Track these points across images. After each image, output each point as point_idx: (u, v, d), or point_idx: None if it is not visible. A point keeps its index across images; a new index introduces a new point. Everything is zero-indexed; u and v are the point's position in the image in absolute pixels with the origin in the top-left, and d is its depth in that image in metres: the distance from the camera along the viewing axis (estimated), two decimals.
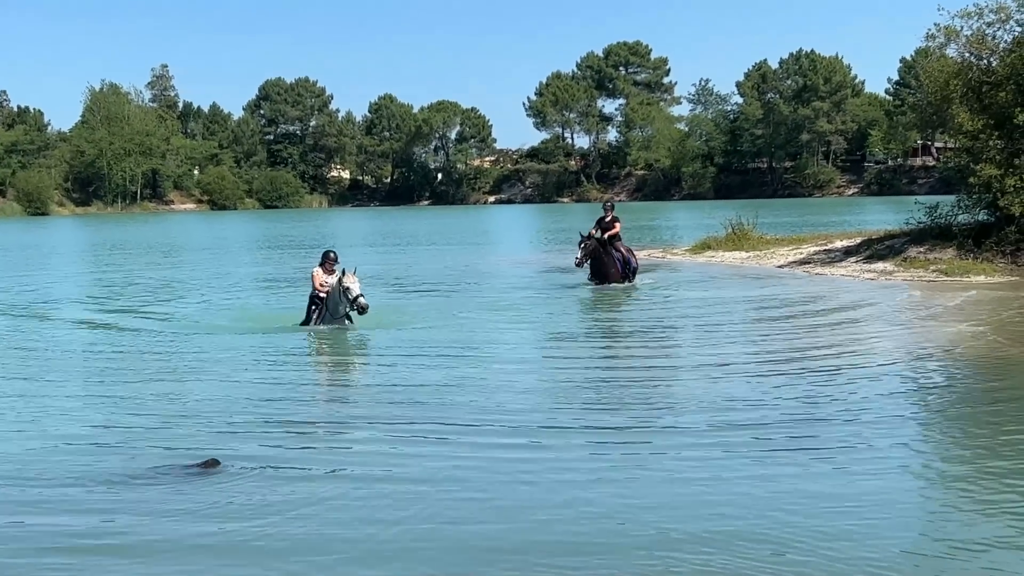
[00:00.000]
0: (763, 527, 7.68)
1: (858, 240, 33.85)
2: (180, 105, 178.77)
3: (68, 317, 22.87)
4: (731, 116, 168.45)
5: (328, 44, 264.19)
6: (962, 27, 29.15)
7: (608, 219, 27.14)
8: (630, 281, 26.64)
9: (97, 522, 8.26)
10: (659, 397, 12.64)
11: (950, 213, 29.58)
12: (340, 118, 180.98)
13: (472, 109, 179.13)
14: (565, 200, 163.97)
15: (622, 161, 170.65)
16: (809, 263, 31.62)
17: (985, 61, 28.95)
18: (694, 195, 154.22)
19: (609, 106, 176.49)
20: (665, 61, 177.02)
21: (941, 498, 8.53)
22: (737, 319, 20.23)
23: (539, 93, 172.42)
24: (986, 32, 28.91)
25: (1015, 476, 8.97)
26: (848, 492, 8.53)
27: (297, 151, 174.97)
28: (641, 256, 38.93)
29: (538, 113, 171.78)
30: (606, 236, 26.83)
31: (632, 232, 59.74)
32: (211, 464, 9.68)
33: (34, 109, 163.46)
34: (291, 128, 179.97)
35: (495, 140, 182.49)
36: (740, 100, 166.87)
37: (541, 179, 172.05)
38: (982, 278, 25.60)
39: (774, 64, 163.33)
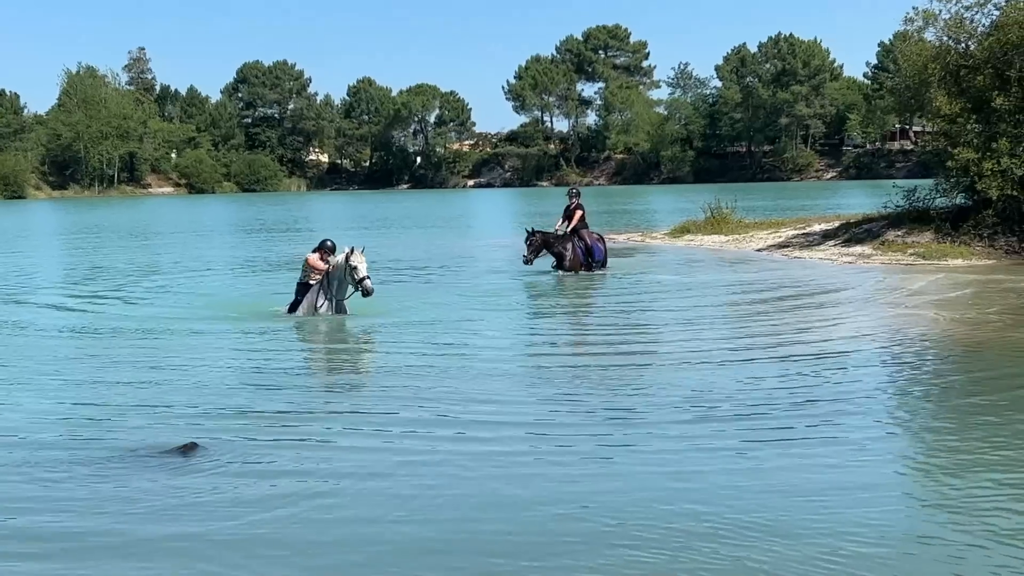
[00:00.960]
0: (743, 518, 7.61)
1: (836, 224, 33.95)
2: (157, 88, 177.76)
3: (39, 301, 22.64)
4: (710, 100, 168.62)
5: (306, 27, 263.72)
6: (940, 11, 29.21)
7: (572, 206, 26.73)
8: (597, 269, 26.15)
9: (74, 506, 8.21)
10: (635, 385, 12.50)
11: (928, 197, 29.68)
12: (319, 101, 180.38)
13: (451, 92, 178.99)
14: (544, 184, 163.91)
15: (601, 145, 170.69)
16: (788, 247, 31.71)
17: (963, 45, 29.02)
18: (673, 179, 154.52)
19: (588, 90, 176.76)
20: (644, 45, 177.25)
21: (921, 487, 8.48)
22: (715, 304, 20.21)
23: (518, 76, 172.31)
24: (964, 16, 29.00)
25: (993, 463, 8.98)
26: (827, 481, 8.46)
27: (275, 134, 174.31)
28: (620, 240, 39.13)
29: (517, 97, 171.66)
30: (569, 227, 26.46)
31: (612, 216, 59.87)
32: (190, 448, 9.64)
33: (10, 92, 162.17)
34: (269, 111, 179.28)
35: (474, 124, 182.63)
36: (719, 84, 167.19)
37: (520, 163, 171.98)
38: (960, 261, 25.73)
39: (753, 48, 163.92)
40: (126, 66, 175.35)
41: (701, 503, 7.95)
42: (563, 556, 7.06)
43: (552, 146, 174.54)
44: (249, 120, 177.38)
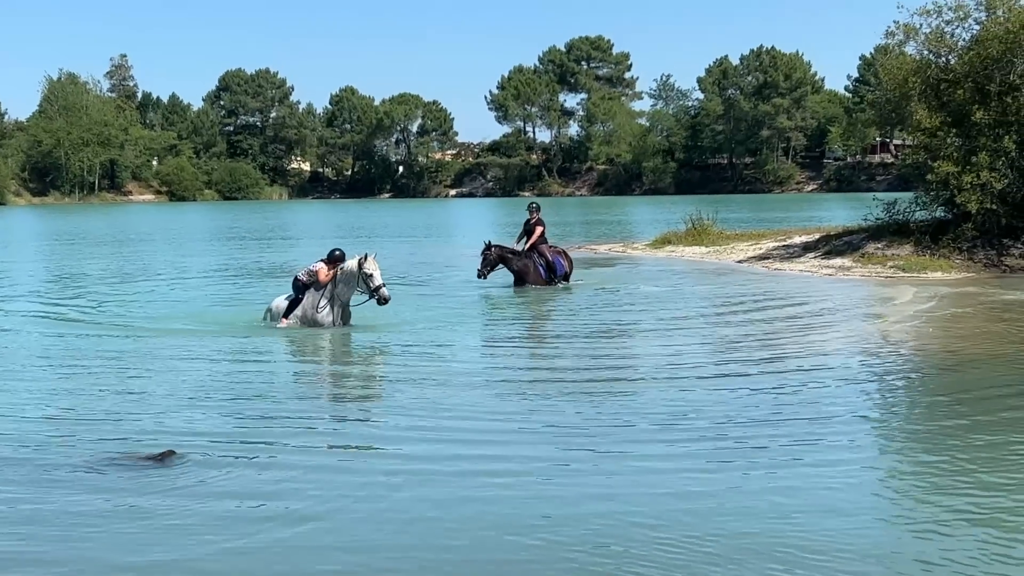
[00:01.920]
0: (722, 535, 7.57)
1: (816, 236, 34.06)
2: (139, 95, 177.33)
3: (16, 309, 22.51)
4: (692, 112, 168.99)
5: (289, 35, 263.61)
6: (921, 25, 29.35)
7: (533, 221, 25.95)
8: (558, 284, 25.21)
9: (50, 513, 8.16)
10: (612, 398, 12.42)
11: (908, 210, 29.82)
12: (301, 110, 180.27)
13: (434, 102, 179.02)
14: (526, 194, 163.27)
15: (583, 156, 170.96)
16: (768, 258, 31.78)
17: (944, 59, 29.16)
18: (655, 190, 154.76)
19: (571, 100, 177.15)
20: (627, 56, 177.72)
21: (898, 505, 8.39)
22: (695, 316, 20.14)
23: (501, 87, 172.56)
24: (945, 30, 29.13)
25: (971, 473, 9.00)
26: (805, 500, 8.41)
27: (257, 142, 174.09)
28: (601, 250, 39.19)
29: (500, 107, 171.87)
30: (528, 243, 25.67)
31: (592, 227, 59.94)
32: (167, 455, 9.60)
33: None
34: (251, 119, 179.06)
35: (456, 133, 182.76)
36: (701, 96, 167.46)
37: (502, 173, 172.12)
38: (939, 274, 25.84)
39: (735, 60, 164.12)
40: (108, 73, 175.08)
41: (682, 522, 7.92)
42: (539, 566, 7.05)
43: (534, 156, 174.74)
44: (231, 128, 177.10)
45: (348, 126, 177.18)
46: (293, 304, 18.28)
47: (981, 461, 9.28)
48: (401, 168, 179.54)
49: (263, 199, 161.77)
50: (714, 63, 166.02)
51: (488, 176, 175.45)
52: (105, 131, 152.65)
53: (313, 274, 18.13)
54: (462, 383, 13.26)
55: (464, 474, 9.11)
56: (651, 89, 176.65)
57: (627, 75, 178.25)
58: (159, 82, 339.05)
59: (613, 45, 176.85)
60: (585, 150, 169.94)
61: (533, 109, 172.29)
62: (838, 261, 28.87)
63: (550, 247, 26.01)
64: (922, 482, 8.84)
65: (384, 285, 17.76)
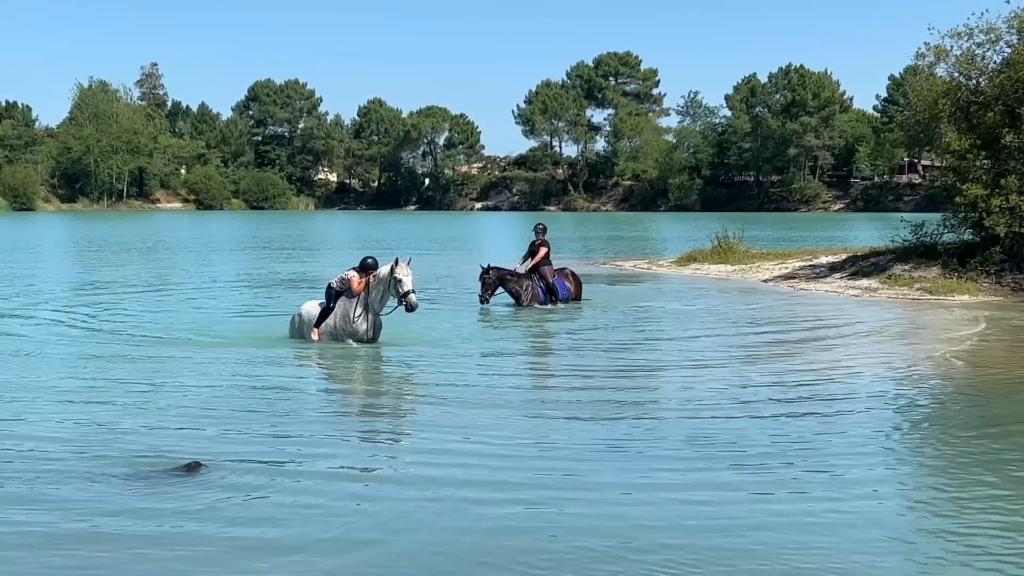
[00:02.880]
0: (747, 558, 7.54)
1: (843, 256, 33.92)
2: (169, 104, 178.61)
3: (44, 316, 22.63)
4: (719, 129, 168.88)
5: (319, 47, 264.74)
6: (952, 47, 29.27)
7: (537, 243, 25.50)
8: (558, 306, 24.58)
9: (77, 525, 8.19)
10: (635, 417, 12.36)
11: (936, 232, 29.67)
12: (329, 121, 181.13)
13: (461, 115, 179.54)
14: (552, 208, 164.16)
15: (609, 171, 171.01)
16: (794, 278, 31.68)
17: (974, 81, 29.06)
18: (680, 207, 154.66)
19: (598, 116, 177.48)
20: (655, 72, 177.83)
21: (925, 531, 8.32)
22: (719, 335, 20.05)
23: (528, 101, 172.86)
24: (976, 52, 29.03)
25: (996, 500, 8.94)
26: (830, 521, 8.35)
27: (285, 153, 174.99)
28: (626, 267, 39.13)
29: (527, 121, 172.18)
30: (530, 264, 25.11)
31: (617, 243, 59.94)
32: (193, 467, 9.64)
33: (22, 104, 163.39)
34: (279, 130, 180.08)
35: (483, 147, 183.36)
36: (728, 113, 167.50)
37: (528, 187, 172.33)
38: (966, 297, 25.68)
39: (763, 78, 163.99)
40: (138, 81, 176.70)
41: (703, 544, 7.92)
42: None
43: (560, 171, 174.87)
44: (259, 138, 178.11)
45: (375, 138, 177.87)
46: (324, 313, 17.92)
47: (1013, 497, 9.09)
48: (427, 180, 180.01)
49: (290, 209, 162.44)
50: (742, 80, 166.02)
51: (514, 190, 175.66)
52: (134, 139, 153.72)
53: (345, 282, 17.88)
54: (489, 402, 13.25)
55: (489, 503, 9.05)
56: (678, 106, 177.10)
57: (655, 91, 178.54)
58: (189, 91, 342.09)
59: (641, 61, 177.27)
60: (611, 165, 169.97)
61: (560, 124, 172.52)
62: (864, 282, 28.76)
63: (554, 269, 25.47)
64: (953, 516, 8.65)
65: (413, 292, 17.33)
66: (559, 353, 18.60)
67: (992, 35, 28.77)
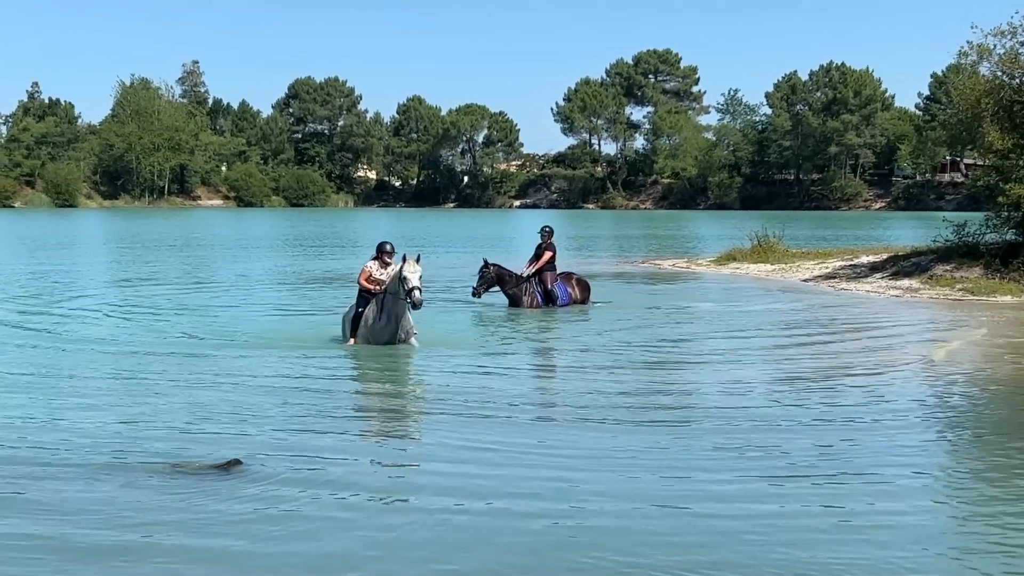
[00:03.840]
0: (779, 561, 7.52)
1: (884, 256, 33.70)
2: (210, 101, 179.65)
3: (84, 312, 22.88)
4: (759, 127, 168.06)
5: (359, 45, 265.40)
6: (995, 45, 29.05)
7: (543, 246, 24.79)
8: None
9: (117, 520, 8.29)
10: (672, 418, 12.36)
11: (978, 232, 29.43)
12: (368, 118, 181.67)
13: (500, 113, 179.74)
14: (590, 206, 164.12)
15: (648, 169, 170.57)
16: (834, 278, 31.50)
17: (1018, 80, 28.78)
18: (720, 205, 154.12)
19: (637, 113, 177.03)
20: (695, 70, 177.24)
21: (967, 534, 8.28)
22: (758, 336, 19.95)
23: (567, 99, 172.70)
24: (1020, 51, 28.75)
25: None
26: (869, 526, 8.30)
27: (324, 150, 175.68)
28: (665, 265, 39.05)
29: (566, 119, 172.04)
30: (534, 268, 24.53)
31: (656, 241, 59.84)
32: (233, 464, 9.72)
33: (65, 101, 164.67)
34: (319, 127, 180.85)
35: (522, 144, 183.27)
36: (769, 111, 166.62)
37: (567, 185, 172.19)
38: (1009, 298, 25.43)
39: (804, 76, 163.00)
40: (180, 79, 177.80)
41: (746, 549, 7.89)
42: None
43: (599, 169, 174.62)
44: (299, 135, 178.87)
45: (415, 135, 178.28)
46: (356, 319, 17.71)
47: None
48: (466, 178, 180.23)
49: (329, 206, 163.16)
50: (783, 78, 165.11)
51: (552, 187, 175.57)
52: (176, 136, 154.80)
53: (360, 278, 17.90)
54: (529, 398, 13.29)
55: (517, 514, 9.07)
56: (718, 103, 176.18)
57: (694, 89, 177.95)
58: (230, 89, 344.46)
59: (681, 59, 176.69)
60: (650, 163, 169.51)
61: (599, 121, 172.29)
62: (905, 282, 28.56)
63: (556, 274, 24.82)
64: (999, 530, 8.42)
65: (418, 288, 16.80)
66: (597, 353, 18.25)
67: None
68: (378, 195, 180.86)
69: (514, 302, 24.13)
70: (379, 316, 17.34)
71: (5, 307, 23.53)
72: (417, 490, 9.25)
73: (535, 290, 24.31)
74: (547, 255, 24.70)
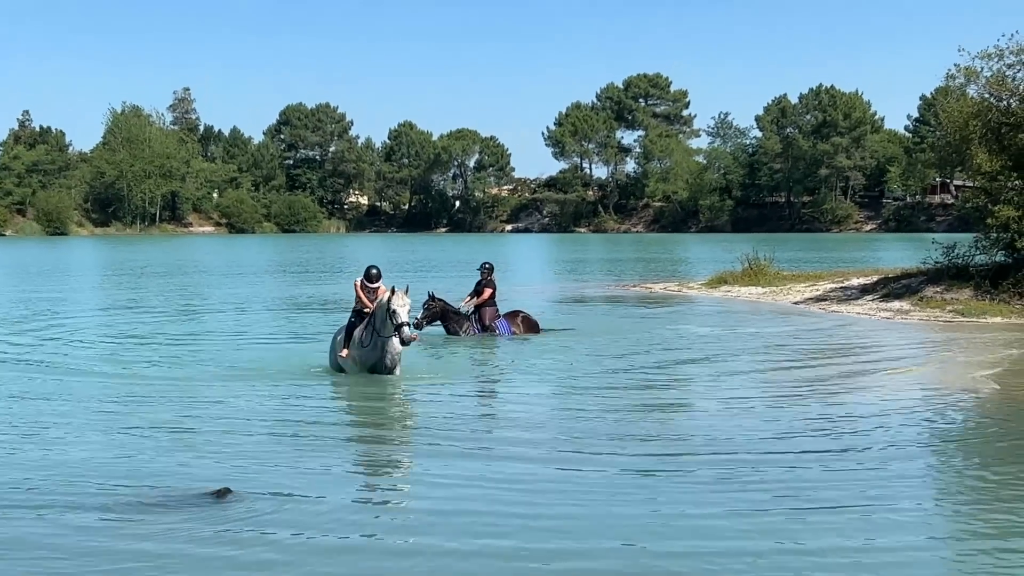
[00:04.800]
0: None
1: (875, 278, 33.78)
2: (201, 128, 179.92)
3: (76, 340, 22.88)
4: (750, 150, 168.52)
5: (350, 71, 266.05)
6: (983, 68, 29.17)
7: (483, 282, 24.18)
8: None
9: (106, 548, 8.29)
10: (665, 441, 12.37)
11: (967, 253, 29.52)
12: (359, 144, 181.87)
13: (491, 138, 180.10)
14: (582, 230, 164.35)
15: (640, 192, 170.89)
16: (825, 300, 31.56)
17: (1005, 103, 28.92)
18: (711, 228, 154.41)
19: (628, 137, 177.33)
20: (685, 94, 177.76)
21: (959, 557, 8.30)
22: (749, 358, 19.99)
23: (558, 123, 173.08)
24: (1007, 74, 28.91)
25: None
26: (862, 549, 8.32)
27: (316, 176, 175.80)
28: (656, 289, 39.07)
29: (557, 143, 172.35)
30: (473, 304, 24.01)
31: (648, 265, 59.87)
32: (223, 493, 9.70)
33: (56, 129, 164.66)
34: (310, 153, 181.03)
35: (513, 169, 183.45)
36: (759, 134, 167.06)
37: (559, 209, 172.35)
38: (999, 319, 25.48)
39: (794, 99, 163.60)
40: (171, 106, 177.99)
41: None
42: None
43: (591, 193, 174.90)
44: (290, 161, 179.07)
45: (406, 160, 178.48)
46: (350, 331, 17.40)
47: None
48: (458, 203, 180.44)
49: (321, 232, 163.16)
50: (773, 101, 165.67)
51: (544, 212, 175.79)
52: (167, 163, 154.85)
53: (356, 293, 17.59)
54: (522, 421, 13.27)
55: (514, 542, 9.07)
56: (709, 126, 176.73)
57: (685, 112, 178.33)
58: (221, 116, 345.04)
59: (671, 82, 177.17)
60: (642, 187, 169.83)
61: (590, 145, 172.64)
62: (896, 304, 28.61)
63: (496, 311, 24.13)
64: (993, 547, 8.51)
65: (407, 324, 16.36)
66: (592, 378, 18.19)
67: (1023, 56, 28.64)
68: (370, 220, 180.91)
69: (452, 334, 23.64)
70: (367, 340, 16.97)
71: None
72: (405, 522, 9.22)
73: (474, 327, 23.74)
74: (487, 292, 24.10)
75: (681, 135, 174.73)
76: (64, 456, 11.48)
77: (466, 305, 24.22)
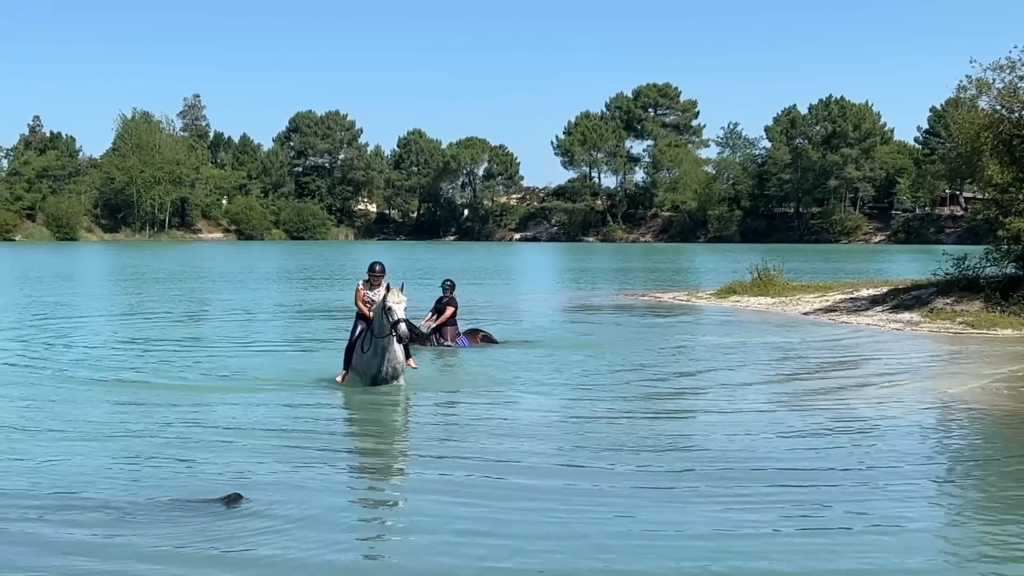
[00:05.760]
0: None
1: (884, 289, 33.71)
2: (211, 135, 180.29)
3: (84, 345, 22.91)
4: (759, 160, 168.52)
5: (359, 79, 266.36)
6: (994, 80, 29.11)
7: (444, 300, 23.55)
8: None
9: (117, 555, 8.27)
10: (672, 450, 12.34)
11: (978, 265, 29.45)
12: (369, 152, 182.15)
13: (500, 146, 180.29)
14: (590, 239, 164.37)
15: (648, 202, 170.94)
16: (835, 311, 31.50)
17: (1017, 114, 28.87)
18: (720, 238, 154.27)
19: (637, 147, 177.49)
20: (694, 104, 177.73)
21: (962, 565, 8.27)
22: (758, 368, 19.97)
23: (567, 132, 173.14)
24: (1018, 86, 28.84)
25: None
26: (864, 564, 8.26)
27: (325, 183, 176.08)
28: (665, 299, 39.02)
29: (566, 152, 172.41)
30: (435, 323, 23.22)
31: (656, 274, 59.81)
32: (233, 499, 9.69)
33: (66, 135, 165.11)
34: (320, 160, 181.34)
35: (522, 177, 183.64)
36: (768, 144, 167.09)
37: (567, 218, 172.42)
38: (1009, 331, 25.39)
39: (803, 109, 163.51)
40: (181, 112, 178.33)
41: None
42: None
43: (599, 202, 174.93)
44: (300, 169, 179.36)
45: (415, 168, 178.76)
46: (349, 351, 17.24)
47: None
48: (466, 211, 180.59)
49: (329, 239, 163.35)
50: (782, 112, 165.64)
51: (553, 220, 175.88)
52: (177, 169, 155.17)
53: (356, 297, 17.36)
54: (529, 432, 13.24)
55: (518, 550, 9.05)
56: (718, 137, 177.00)
57: (694, 122, 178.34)
58: (231, 122, 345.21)
59: (681, 92, 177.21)
60: (650, 196, 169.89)
61: (599, 155, 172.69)
62: (906, 316, 28.54)
63: (457, 329, 23.47)
64: (992, 547, 8.58)
65: (403, 321, 16.13)
66: (597, 389, 18.18)
67: None
68: (378, 228, 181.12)
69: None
70: (366, 347, 16.73)
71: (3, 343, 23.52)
72: (410, 531, 9.20)
73: (436, 345, 22.99)
74: (449, 310, 23.43)
75: (690, 145, 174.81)
76: (67, 461, 11.46)
77: (426, 324, 23.25)
